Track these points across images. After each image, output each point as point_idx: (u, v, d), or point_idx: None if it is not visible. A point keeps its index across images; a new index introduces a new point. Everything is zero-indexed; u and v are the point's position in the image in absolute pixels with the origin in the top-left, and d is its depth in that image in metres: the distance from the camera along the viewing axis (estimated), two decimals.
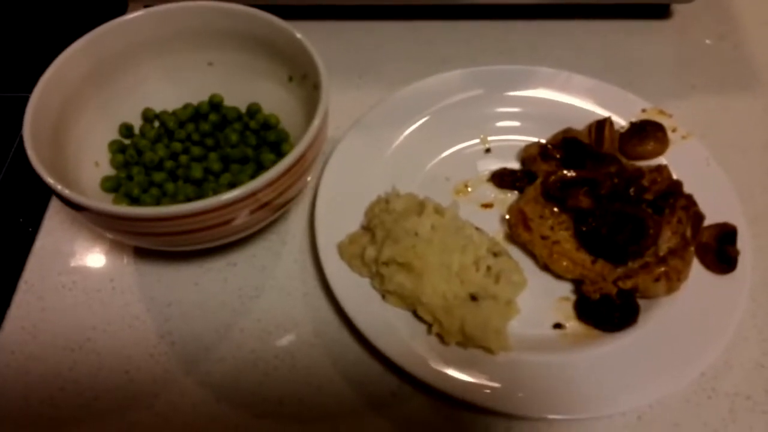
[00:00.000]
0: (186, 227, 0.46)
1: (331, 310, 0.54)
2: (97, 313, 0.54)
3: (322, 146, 0.52)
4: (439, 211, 0.53)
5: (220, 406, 0.49)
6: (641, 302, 0.51)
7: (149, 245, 0.52)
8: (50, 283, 0.55)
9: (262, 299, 0.55)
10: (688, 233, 0.52)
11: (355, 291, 0.51)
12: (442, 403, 0.49)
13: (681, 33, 0.74)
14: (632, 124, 0.61)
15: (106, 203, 0.48)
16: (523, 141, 0.62)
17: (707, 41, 0.73)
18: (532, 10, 0.75)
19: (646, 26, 0.75)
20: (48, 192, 0.45)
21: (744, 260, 0.52)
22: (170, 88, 0.60)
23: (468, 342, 0.48)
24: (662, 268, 0.51)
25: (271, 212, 0.50)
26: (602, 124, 0.60)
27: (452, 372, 0.47)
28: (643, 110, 0.62)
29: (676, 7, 0.76)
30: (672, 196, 0.54)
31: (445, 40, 0.74)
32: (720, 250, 0.52)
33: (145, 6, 0.56)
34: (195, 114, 0.60)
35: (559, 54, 0.72)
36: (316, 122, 0.48)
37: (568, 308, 0.53)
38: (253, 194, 0.46)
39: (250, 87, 0.60)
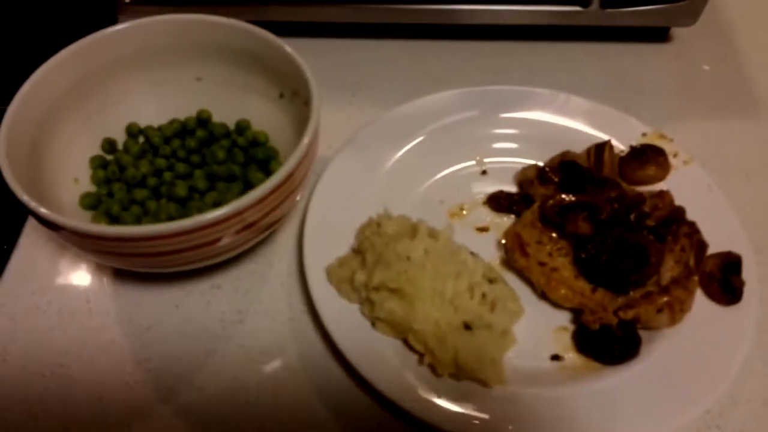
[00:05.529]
0: (167, 248, 0.44)
1: (318, 337, 0.51)
2: (72, 336, 0.51)
3: (311, 165, 0.50)
4: (432, 234, 0.51)
5: None
6: (643, 334, 0.49)
7: (129, 266, 0.50)
8: (24, 304, 0.53)
9: (246, 324, 0.52)
10: (692, 262, 0.50)
11: (343, 317, 0.49)
12: None
13: (681, 57, 0.73)
14: (632, 148, 0.59)
15: (82, 222, 0.46)
16: (520, 163, 0.60)
17: (708, 66, 0.72)
18: (529, 31, 0.74)
19: (646, 50, 0.73)
20: (24, 208, 0.43)
21: (750, 291, 0.50)
22: (157, 103, 0.59)
23: (461, 373, 0.46)
24: (665, 298, 0.48)
25: (258, 232, 0.48)
26: (602, 147, 0.58)
27: (444, 405, 0.45)
28: (644, 134, 0.61)
29: (677, 31, 0.75)
30: (674, 223, 0.52)
31: (440, 61, 0.72)
32: (724, 280, 0.50)
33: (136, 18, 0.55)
34: (181, 130, 0.58)
35: (558, 76, 0.70)
36: (306, 140, 0.47)
37: (567, 339, 0.50)
38: (239, 213, 0.44)
39: (239, 103, 0.58)
